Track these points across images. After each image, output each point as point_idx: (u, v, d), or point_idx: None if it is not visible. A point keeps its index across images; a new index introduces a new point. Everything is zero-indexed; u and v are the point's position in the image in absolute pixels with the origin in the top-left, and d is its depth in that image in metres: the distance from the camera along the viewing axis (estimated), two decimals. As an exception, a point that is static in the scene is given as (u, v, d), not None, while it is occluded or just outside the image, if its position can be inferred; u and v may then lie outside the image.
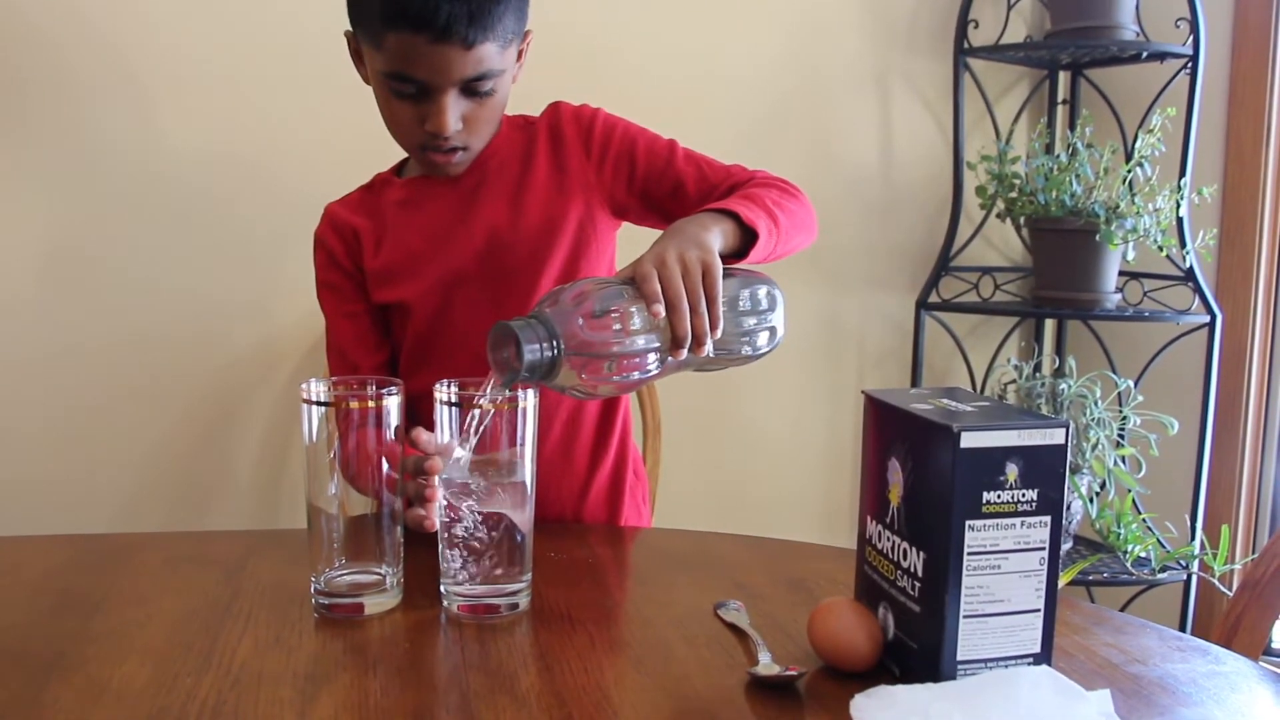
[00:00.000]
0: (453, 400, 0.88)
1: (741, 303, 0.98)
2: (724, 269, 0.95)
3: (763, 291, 1.00)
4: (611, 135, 1.23)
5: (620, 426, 1.30)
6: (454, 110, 1.10)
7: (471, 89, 1.10)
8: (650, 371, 0.91)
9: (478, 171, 1.21)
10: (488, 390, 0.88)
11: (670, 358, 0.91)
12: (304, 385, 0.89)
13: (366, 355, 1.24)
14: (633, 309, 0.89)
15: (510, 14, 1.08)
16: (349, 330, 1.26)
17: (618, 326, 0.88)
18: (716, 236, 0.99)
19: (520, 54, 1.16)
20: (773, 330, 1.01)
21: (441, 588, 0.91)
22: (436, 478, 0.90)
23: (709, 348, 0.91)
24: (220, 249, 1.78)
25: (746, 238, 1.03)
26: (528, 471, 0.90)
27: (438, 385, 0.89)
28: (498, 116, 1.17)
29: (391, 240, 1.22)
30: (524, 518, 0.90)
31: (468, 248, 1.20)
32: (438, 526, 0.91)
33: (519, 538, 0.90)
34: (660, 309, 0.88)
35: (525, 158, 1.22)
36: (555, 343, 0.86)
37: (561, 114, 1.25)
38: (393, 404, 0.90)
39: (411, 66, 1.07)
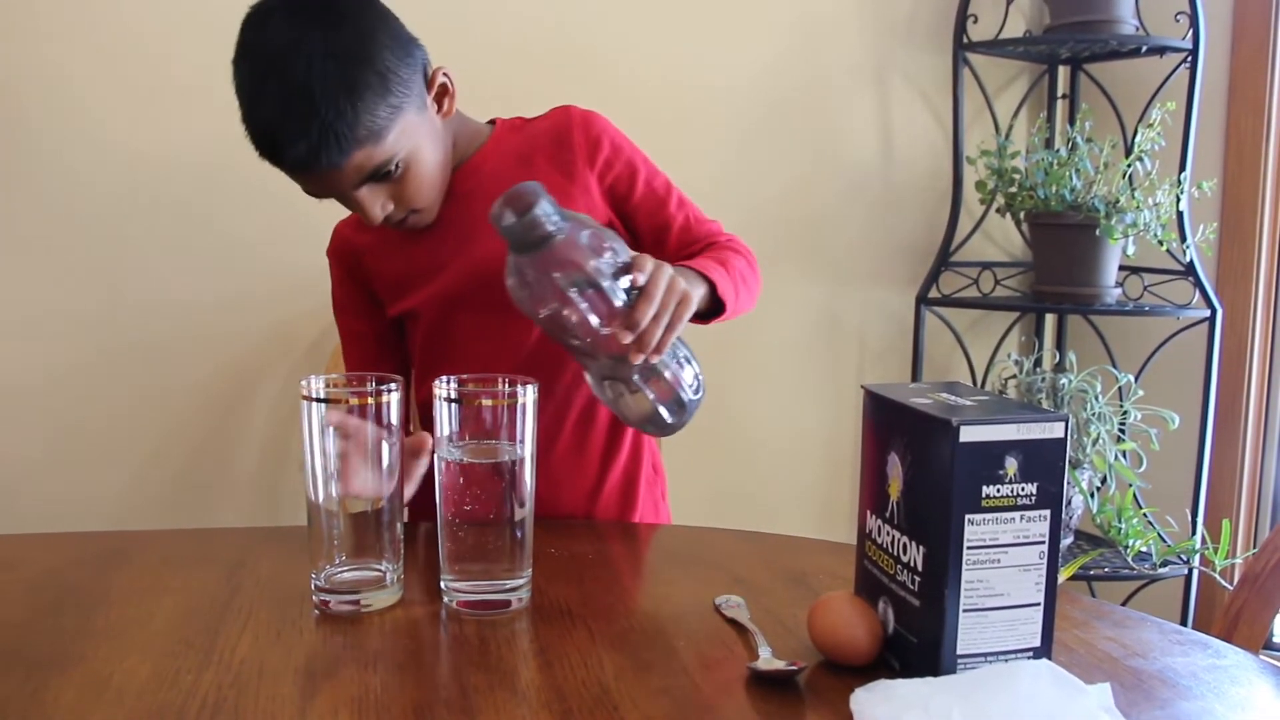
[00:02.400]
0: (453, 397, 0.88)
1: (681, 364, 1.01)
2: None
3: (693, 370, 1.03)
4: (617, 155, 1.22)
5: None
6: (373, 204, 1.09)
7: (380, 177, 1.07)
8: (591, 323, 0.93)
9: (471, 178, 1.20)
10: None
11: (608, 331, 0.92)
12: (304, 382, 0.89)
13: (369, 372, 1.25)
14: (624, 261, 0.94)
15: (367, 110, 1.01)
16: (355, 351, 1.29)
17: (608, 258, 0.93)
18: (699, 296, 1.03)
19: (444, 92, 1.13)
20: (684, 406, 1.02)
21: (441, 584, 0.91)
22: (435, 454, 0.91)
23: (641, 360, 0.94)
24: (218, 248, 1.78)
25: (713, 306, 1.08)
26: (528, 467, 0.89)
27: (437, 381, 0.89)
28: (433, 174, 1.13)
29: (399, 253, 1.23)
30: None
31: (464, 258, 1.19)
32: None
33: (518, 533, 0.90)
34: (641, 277, 0.93)
35: (523, 162, 1.21)
36: (560, 227, 0.90)
37: (571, 119, 1.23)
38: (392, 400, 0.90)
39: (306, 189, 1.08)
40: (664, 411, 1.01)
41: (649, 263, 0.95)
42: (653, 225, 1.23)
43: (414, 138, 1.08)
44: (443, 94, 1.14)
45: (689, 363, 1.03)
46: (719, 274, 1.09)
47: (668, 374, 1.00)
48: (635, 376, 0.98)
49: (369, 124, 1.02)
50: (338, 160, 1.02)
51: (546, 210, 0.90)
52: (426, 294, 1.21)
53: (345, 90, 1.00)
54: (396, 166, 1.07)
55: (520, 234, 0.90)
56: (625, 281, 0.93)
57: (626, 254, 0.96)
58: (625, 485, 1.30)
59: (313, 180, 1.06)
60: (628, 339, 0.92)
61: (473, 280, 1.18)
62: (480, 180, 1.20)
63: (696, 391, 1.03)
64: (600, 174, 1.21)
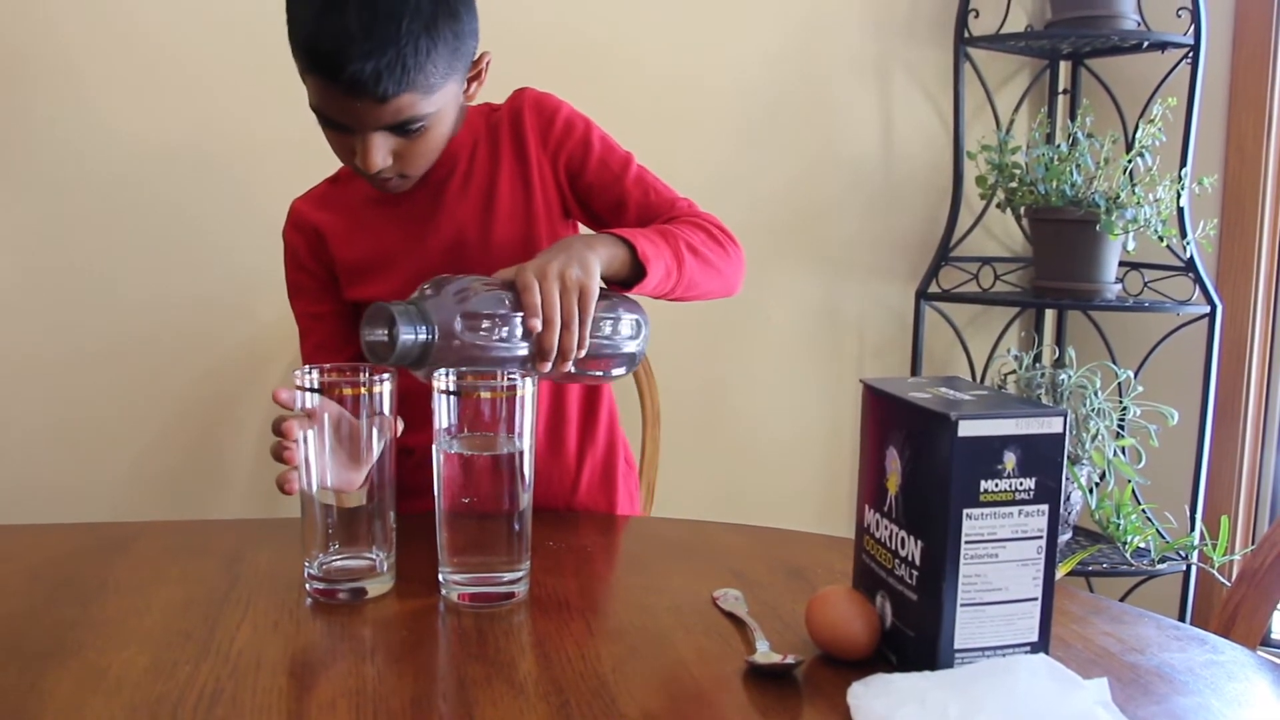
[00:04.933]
0: (452, 389, 0.88)
1: (607, 328, 1.02)
2: (602, 291, 1.00)
3: (630, 319, 1.05)
4: (570, 134, 1.21)
5: (606, 416, 1.30)
6: (380, 150, 1.06)
7: (399, 129, 1.06)
8: (512, 370, 0.94)
9: (446, 164, 1.19)
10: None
11: (529, 366, 0.95)
12: (297, 373, 0.89)
13: (332, 356, 1.24)
14: (508, 317, 0.94)
15: (435, 60, 1.02)
16: (315, 332, 1.27)
17: (488, 329, 0.93)
18: (603, 261, 1.01)
19: (477, 75, 1.14)
20: (631, 358, 1.06)
21: (440, 576, 0.91)
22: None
23: (570, 365, 0.96)
24: (220, 240, 1.78)
25: (638, 271, 1.05)
26: (527, 459, 0.89)
27: (436, 374, 0.89)
28: (438, 146, 1.13)
29: (364, 236, 1.22)
30: (525, 498, 0.90)
31: (436, 245, 1.19)
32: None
33: (517, 526, 0.90)
34: (536, 324, 0.93)
35: (492, 149, 1.21)
36: (430, 332, 0.90)
37: (525, 101, 1.23)
38: (384, 390, 0.90)
39: (330, 110, 1.05)
40: (621, 370, 1.05)
41: (531, 286, 0.93)
42: (608, 202, 1.21)
43: (446, 105, 1.09)
44: (475, 78, 1.14)
45: (620, 321, 1.03)
46: (645, 238, 1.06)
47: (604, 350, 1.02)
48: (573, 369, 0.98)
49: (430, 73, 1.02)
50: (391, 93, 1.00)
51: (406, 332, 0.89)
52: (388, 282, 1.20)
53: (428, 32, 1.00)
54: (420, 126, 1.07)
55: (401, 361, 0.90)
56: (519, 321, 0.94)
57: (506, 296, 0.94)
58: (604, 477, 1.30)
59: (346, 103, 1.02)
60: (548, 368, 0.95)
61: (437, 270, 1.17)
62: (452, 168, 1.20)
63: (637, 334, 1.05)
64: (553, 154, 1.21)
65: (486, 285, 0.95)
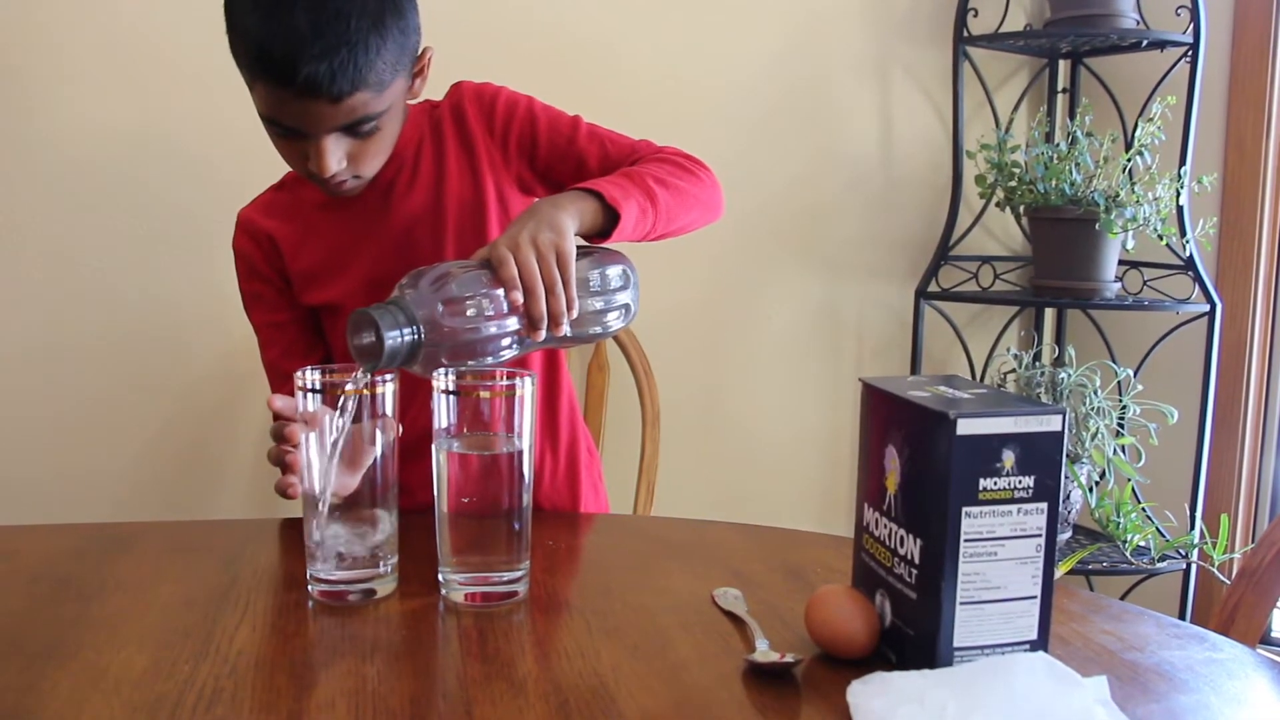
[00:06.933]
0: (451, 389, 0.88)
1: (594, 283, 1.01)
2: (581, 248, 0.99)
3: (615, 271, 1.03)
4: (514, 114, 1.21)
5: (567, 404, 1.30)
6: (334, 153, 1.06)
7: (352, 130, 1.06)
8: (511, 352, 0.94)
9: (393, 163, 1.19)
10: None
11: (528, 339, 0.94)
12: (299, 373, 0.89)
13: (298, 363, 1.23)
14: (490, 294, 0.92)
15: (384, 57, 1.02)
16: (278, 341, 1.26)
17: (474, 312, 0.91)
18: (573, 217, 1.00)
19: (421, 71, 1.14)
20: (625, 308, 1.04)
21: (440, 576, 0.91)
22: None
23: (565, 328, 0.95)
24: (218, 239, 1.78)
25: (612, 218, 1.04)
26: (527, 458, 0.89)
27: (436, 374, 0.89)
28: (389, 145, 1.13)
29: (315, 242, 1.21)
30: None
31: (388, 244, 1.19)
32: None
33: (517, 525, 0.90)
34: (518, 296, 0.92)
35: (436, 145, 1.21)
36: (415, 329, 0.88)
37: (463, 94, 1.23)
38: (388, 390, 0.90)
39: (281, 115, 1.04)
40: (619, 322, 1.04)
41: (505, 259, 0.92)
42: (570, 166, 1.21)
43: (395, 103, 1.09)
44: (420, 73, 1.14)
45: (607, 272, 1.02)
46: (608, 184, 1.05)
47: (596, 305, 1.01)
48: (568, 332, 0.98)
49: (380, 71, 1.02)
50: (346, 92, 1.00)
51: (391, 335, 0.87)
52: (343, 285, 1.20)
53: (376, 29, 1.01)
54: (372, 126, 1.06)
55: (392, 362, 0.89)
56: (503, 296, 0.92)
57: (484, 274, 0.93)
58: (568, 468, 1.30)
59: (299, 107, 1.02)
60: (541, 335, 0.94)
61: (392, 268, 1.14)
62: (399, 167, 1.19)
63: (627, 283, 1.04)
64: (502, 139, 1.21)
65: (464, 268, 0.94)
